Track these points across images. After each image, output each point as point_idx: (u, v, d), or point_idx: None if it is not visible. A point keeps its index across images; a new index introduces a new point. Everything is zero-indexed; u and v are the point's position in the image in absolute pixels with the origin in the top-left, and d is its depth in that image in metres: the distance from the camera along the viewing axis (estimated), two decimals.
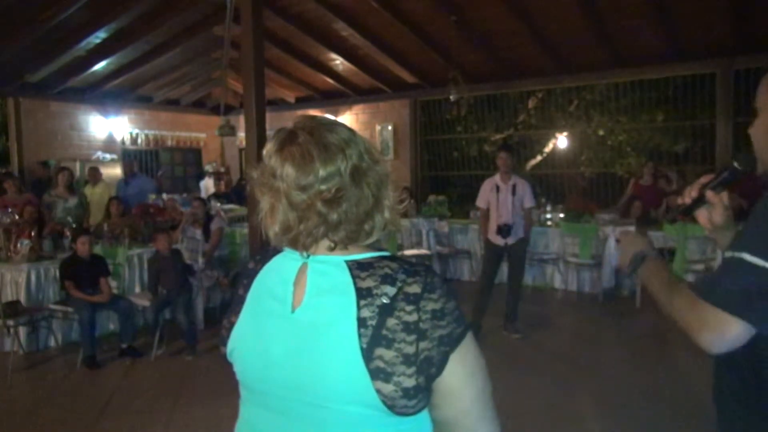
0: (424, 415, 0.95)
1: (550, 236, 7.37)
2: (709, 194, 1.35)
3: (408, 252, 7.75)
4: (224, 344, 1.05)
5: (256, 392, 1.01)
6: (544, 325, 5.82)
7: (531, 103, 11.38)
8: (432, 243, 7.96)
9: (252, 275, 1.05)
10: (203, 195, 9.74)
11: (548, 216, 7.66)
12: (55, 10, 6.76)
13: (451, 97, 8.14)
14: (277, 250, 1.05)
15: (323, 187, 0.92)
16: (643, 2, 6.40)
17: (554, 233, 7.32)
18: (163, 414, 3.89)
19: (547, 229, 7.42)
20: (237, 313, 1.04)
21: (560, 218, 7.51)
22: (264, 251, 1.09)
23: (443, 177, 10.77)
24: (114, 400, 4.18)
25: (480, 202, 5.61)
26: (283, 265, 1.01)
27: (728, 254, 1.09)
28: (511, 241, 5.38)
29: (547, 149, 11.44)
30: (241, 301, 1.05)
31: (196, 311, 5.79)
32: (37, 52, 7.85)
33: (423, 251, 7.85)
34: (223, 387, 4.24)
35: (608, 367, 4.67)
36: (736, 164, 1.33)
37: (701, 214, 1.40)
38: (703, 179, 1.38)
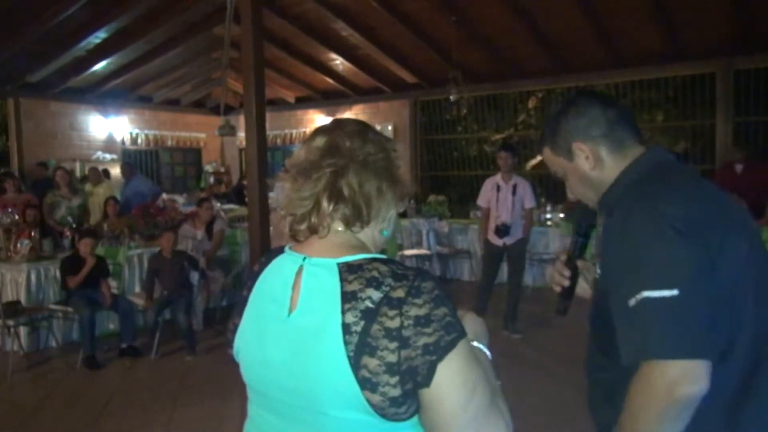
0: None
1: (550, 236, 7.36)
2: (580, 264, 1.39)
3: (408, 252, 7.76)
4: (231, 346, 1.06)
5: (259, 394, 1.02)
6: (544, 325, 5.81)
7: (531, 103, 11.38)
8: (432, 243, 7.96)
9: (256, 277, 1.05)
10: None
11: (548, 216, 7.66)
12: (55, 10, 6.76)
13: (451, 97, 8.14)
14: (280, 251, 1.04)
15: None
16: (643, 2, 6.40)
17: (554, 233, 7.32)
18: (163, 414, 3.89)
19: (547, 229, 7.42)
20: (240, 314, 1.04)
21: (560, 218, 7.51)
22: (269, 252, 1.08)
23: (443, 177, 10.76)
24: (114, 400, 4.18)
25: (481, 201, 5.61)
26: (284, 266, 1.00)
27: (632, 303, 1.05)
28: (509, 241, 5.38)
29: None
30: (245, 302, 1.04)
31: (197, 312, 5.80)
32: (37, 52, 7.85)
33: (423, 251, 7.85)
34: (223, 387, 4.24)
35: None
36: (582, 224, 1.38)
37: (579, 287, 1.41)
38: (562, 257, 1.40)
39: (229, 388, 4.11)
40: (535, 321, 5.86)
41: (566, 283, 1.39)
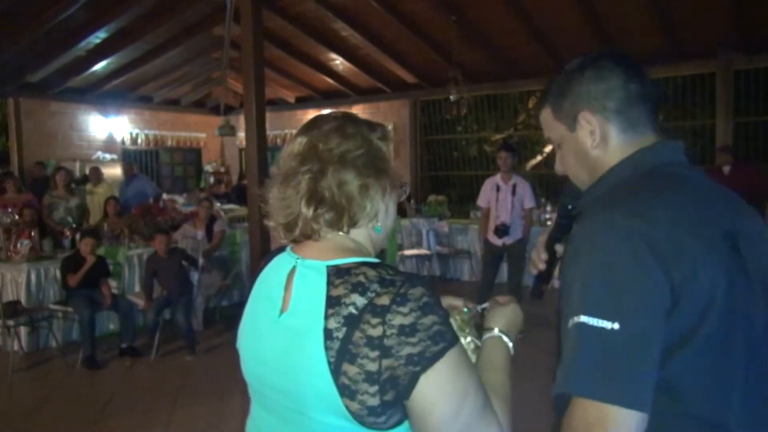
0: (405, 428, 0.89)
1: None
2: (559, 248, 1.24)
3: (408, 252, 7.76)
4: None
5: (256, 392, 1.02)
6: (544, 325, 5.80)
7: (531, 103, 11.38)
8: (432, 243, 7.96)
9: (258, 274, 1.06)
10: None
11: (548, 216, 7.66)
12: (55, 10, 6.76)
13: (451, 97, 8.14)
14: (283, 249, 1.04)
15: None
16: (643, 2, 6.40)
17: None
18: (163, 414, 3.89)
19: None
20: None
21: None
22: (274, 250, 1.08)
23: (443, 177, 10.77)
24: (114, 400, 4.18)
25: (481, 202, 5.62)
26: (280, 266, 1.00)
27: (570, 325, 0.92)
28: (508, 241, 5.38)
29: (547, 149, 11.44)
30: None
31: (196, 312, 5.80)
32: (37, 52, 7.85)
33: (423, 251, 7.85)
34: (222, 387, 4.23)
35: None
36: (568, 205, 1.22)
37: (558, 272, 1.22)
38: (542, 237, 1.27)
39: (229, 387, 4.11)
40: (535, 321, 5.83)
41: (542, 266, 1.26)
